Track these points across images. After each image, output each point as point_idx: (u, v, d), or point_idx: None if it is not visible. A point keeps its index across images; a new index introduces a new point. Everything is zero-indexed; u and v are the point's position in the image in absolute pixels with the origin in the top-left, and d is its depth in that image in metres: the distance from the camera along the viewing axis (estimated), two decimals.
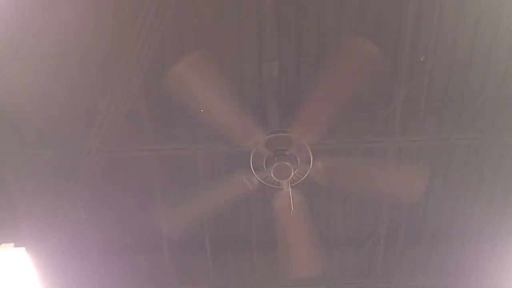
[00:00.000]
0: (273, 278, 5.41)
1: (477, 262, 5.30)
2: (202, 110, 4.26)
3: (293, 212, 3.47)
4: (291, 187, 3.56)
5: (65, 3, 3.69)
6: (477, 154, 4.56)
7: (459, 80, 4.22)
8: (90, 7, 3.73)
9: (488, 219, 4.99)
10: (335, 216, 5.00)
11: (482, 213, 4.96)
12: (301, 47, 4.01)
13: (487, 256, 5.23)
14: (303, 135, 3.37)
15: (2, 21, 3.68)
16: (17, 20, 3.71)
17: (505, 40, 4.00)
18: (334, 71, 3.08)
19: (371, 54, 2.91)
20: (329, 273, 5.34)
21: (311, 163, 3.51)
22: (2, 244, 4.49)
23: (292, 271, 4.04)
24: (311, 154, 3.48)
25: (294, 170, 3.49)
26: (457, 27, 3.90)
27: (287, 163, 3.42)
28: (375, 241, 5.08)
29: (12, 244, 4.48)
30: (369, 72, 3.03)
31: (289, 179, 3.48)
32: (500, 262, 5.20)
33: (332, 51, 4.00)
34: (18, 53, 3.89)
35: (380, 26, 3.92)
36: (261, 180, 3.59)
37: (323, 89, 3.12)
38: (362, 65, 2.98)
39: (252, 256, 5.25)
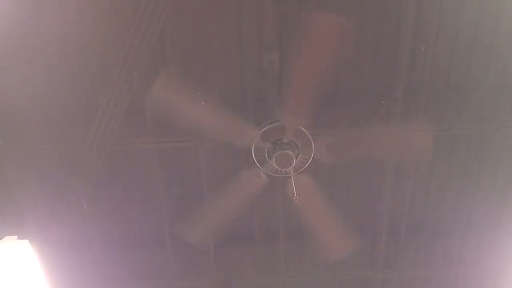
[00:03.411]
0: (276, 270, 5.43)
1: (480, 251, 5.31)
2: (203, 103, 4.31)
3: (296, 197, 3.48)
4: (299, 173, 3.56)
5: None
6: (479, 144, 4.56)
7: (461, 70, 4.21)
8: (89, 1, 3.73)
9: (490, 208, 4.99)
10: (337, 208, 4.99)
11: (484, 202, 4.95)
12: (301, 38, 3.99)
13: (489, 245, 5.24)
14: (293, 121, 3.35)
15: (2, 20, 3.68)
16: (17, 17, 3.71)
17: (507, 29, 3.98)
18: (309, 54, 2.98)
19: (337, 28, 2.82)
20: (331, 263, 5.37)
21: (313, 145, 3.49)
22: (6, 237, 4.53)
23: (326, 254, 4.03)
24: (310, 137, 3.46)
25: (297, 156, 3.50)
26: (458, 16, 3.88)
27: (287, 151, 3.43)
28: (377, 232, 5.08)
29: (16, 236, 4.52)
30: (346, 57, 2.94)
31: (292, 166, 3.49)
32: (503, 252, 5.21)
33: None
34: (19, 49, 3.90)
35: (382, 15, 3.91)
36: (270, 173, 3.60)
37: (301, 74, 3.07)
38: (335, 46, 2.89)
39: (254, 248, 5.27)
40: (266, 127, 3.44)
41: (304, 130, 3.43)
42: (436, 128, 4.38)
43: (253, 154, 3.57)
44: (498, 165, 4.72)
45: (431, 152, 3.58)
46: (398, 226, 5.06)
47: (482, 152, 4.60)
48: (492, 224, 5.10)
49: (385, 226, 5.05)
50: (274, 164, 3.51)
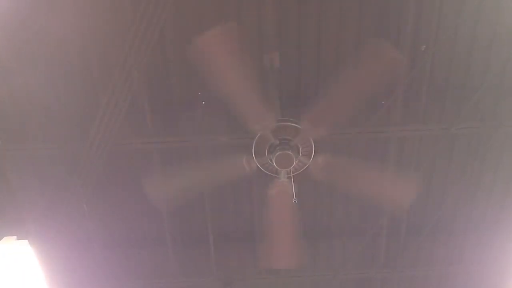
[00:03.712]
0: (276, 270, 5.42)
1: (480, 251, 5.31)
2: (203, 103, 4.32)
3: (295, 199, 3.49)
4: (288, 178, 3.58)
5: None
6: (478, 144, 4.56)
7: (460, 70, 4.22)
8: (89, 1, 3.73)
9: (490, 208, 4.99)
10: (338, 206, 5.01)
11: (484, 202, 4.96)
12: (301, 37, 4.00)
13: (489, 245, 5.23)
14: (312, 128, 3.39)
15: (3, 21, 3.68)
16: (17, 18, 3.72)
17: (507, 29, 3.99)
18: (353, 71, 3.13)
19: (391, 58, 2.93)
20: (331, 263, 5.37)
21: (312, 156, 3.54)
22: (5, 237, 4.53)
23: (270, 261, 4.04)
24: (313, 147, 3.51)
25: (296, 161, 3.51)
26: (458, 16, 3.90)
27: (290, 152, 3.45)
28: (377, 231, 5.08)
29: (15, 237, 4.52)
30: (387, 75, 3.05)
31: (290, 168, 3.50)
32: (503, 252, 5.21)
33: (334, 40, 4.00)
34: (19, 50, 3.90)
35: (382, 15, 3.91)
36: (259, 166, 3.61)
37: (340, 88, 3.15)
38: (382, 69, 3.00)
39: (254, 247, 5.26)
40: (282, 123, 3.47)
41: (312, 140, 3.48)
42: (436, 128, 4.39)
43: (253, 155, 3.57)
44: (498, 164, 4.72)
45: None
46: (398, 226, 5.07)
47: (482, 151, 4.60)
48: (492, 224, 5.10)
49: (385, 226, 5.05)
50: (273, 161, 3.52)
